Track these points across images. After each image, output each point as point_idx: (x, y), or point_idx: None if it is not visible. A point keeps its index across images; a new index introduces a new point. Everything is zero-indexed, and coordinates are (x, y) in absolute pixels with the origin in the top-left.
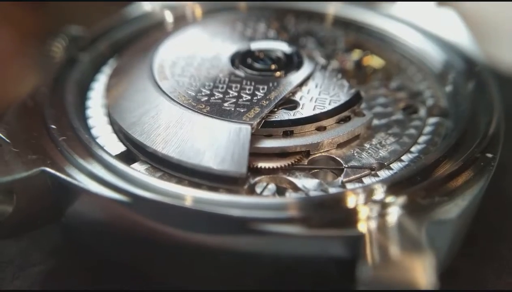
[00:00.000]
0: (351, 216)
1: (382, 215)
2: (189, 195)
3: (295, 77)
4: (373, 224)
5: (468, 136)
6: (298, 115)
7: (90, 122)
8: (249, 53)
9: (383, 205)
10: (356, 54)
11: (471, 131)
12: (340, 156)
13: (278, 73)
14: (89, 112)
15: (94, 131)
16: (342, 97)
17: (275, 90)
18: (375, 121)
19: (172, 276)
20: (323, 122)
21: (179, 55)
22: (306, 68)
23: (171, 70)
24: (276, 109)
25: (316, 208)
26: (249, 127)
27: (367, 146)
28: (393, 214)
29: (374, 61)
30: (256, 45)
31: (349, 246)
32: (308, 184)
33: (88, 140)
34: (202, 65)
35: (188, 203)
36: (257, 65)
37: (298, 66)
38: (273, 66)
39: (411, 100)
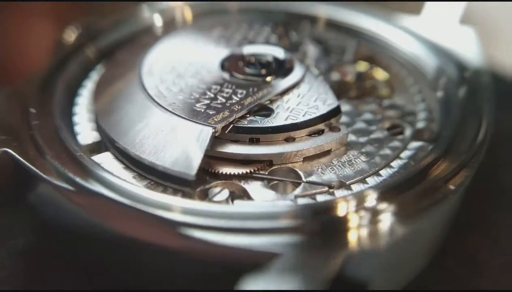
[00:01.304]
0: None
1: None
2: (132, 192)
3: (279, 85)
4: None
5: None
6: (267, 124)
7: (76, 114)
8: (239, 57)
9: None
10: (360, 66)
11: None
12: (303, 169)
13: (264, 79)
14: (76, 109)
15: (76, 120)
16: (319, 110)
17: (253, 96)
18: (353, 138)
19: (109, 271)
20: (292, 134)
21: (168, 58)
22: (293, 77)
23: (158, 71)
24: (248, 115)
25: (243, 218)
26: (210, 129)
27: (335, 162)
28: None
29: (378, 74)
30: (250, 49)
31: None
32: (262, 194)
33: (60, 128)
34: (191, 66)
35: (126, 199)
36: (244, 69)
37: (285, 73)
38: (259, 72)
39: (400, 120)
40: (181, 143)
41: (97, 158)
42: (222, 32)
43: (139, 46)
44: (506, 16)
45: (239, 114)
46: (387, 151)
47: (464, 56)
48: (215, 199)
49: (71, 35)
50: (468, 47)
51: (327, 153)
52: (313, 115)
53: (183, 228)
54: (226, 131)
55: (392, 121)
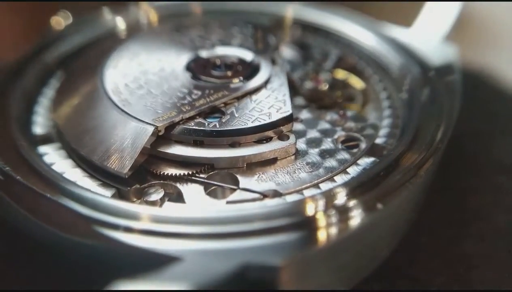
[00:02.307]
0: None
1: None
2: (56, 183)
3: (238, 88)
4: None
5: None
6: (212, 127)
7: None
8: (205, 59)
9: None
10: (338, 74)
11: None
12: (244, 175)
13: (225, 82)
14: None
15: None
16: (271, 117)
17: (207, 97)
18: (303, 146)
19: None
20: (238, 139)
21: (132, 59)
22: (254, 82)
23: (122, 68)
24: (197, 117)
25: (151, 221)
26: (151, 128)
27: (278, 170)
28: None
29: (355, 84)
30: (218, 52)
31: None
32: (195, 197)
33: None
34: (156, 66)
35: (50, 193)
36: (208, 71)
37: (249, 77)
38: (222, 74)
39: (359, 134)
40: (121, 140)
41: (43, 148)
42: (193, 33)
43: (101, 49)
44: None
45: (187, 115)
46: (333, 164)
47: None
48: (149, 198)
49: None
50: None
51: (273, 161)
52: (263, 122)
53: (91, 223)
54: (171, 132)
55: (349, 134)
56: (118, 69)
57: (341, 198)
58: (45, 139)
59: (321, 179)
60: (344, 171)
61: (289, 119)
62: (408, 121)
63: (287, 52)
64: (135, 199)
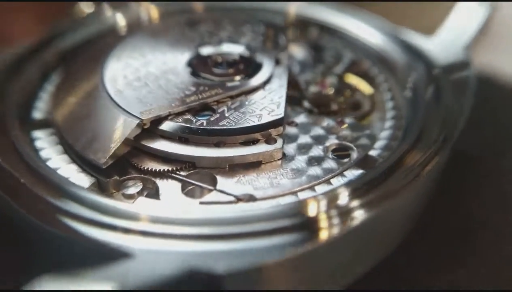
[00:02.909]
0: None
1: None
2: (33, 168)
3: (234, 87)
4: None
5: None
6: (199, 125)
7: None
8: (206, 56)
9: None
10: (348, 79)
11: None
12: (225, 176)
13: (223, 80)
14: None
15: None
16: (260, 119)
17: (199, 94)
18: (291, 152)
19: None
20: (224, 139)
21: (134, 55)
22: (254, 81)
23: (124, 59)
24: (187, 114)
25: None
26: (135, 121)
27: (260, 174)
28: None
29: (364, 89)
30: (222, 48)
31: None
32: (171, 194)
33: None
34: (159, 60)
35: (27, 178)
36: (208, 68)
37: (247, 77)
38: (222, 72)
39: (353, 143)
40: (105, 130)
41: (37, 133)
42: (203, 29)
43: (106, 43)
44: None
45: (175, 111)
46: (318, 172)
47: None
48: (127, 191)
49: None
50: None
51: (257, 164)
52: (251, 124)
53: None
54: (158, 127)
55: (342, 143)
56: (121, 61)
57: (320, 206)
58: (42, 125)
59: (301, 188)
60: (327, 181)
61: (279, 123)
62: (409, 135)
63: (300, 53)
64: (114, 191)
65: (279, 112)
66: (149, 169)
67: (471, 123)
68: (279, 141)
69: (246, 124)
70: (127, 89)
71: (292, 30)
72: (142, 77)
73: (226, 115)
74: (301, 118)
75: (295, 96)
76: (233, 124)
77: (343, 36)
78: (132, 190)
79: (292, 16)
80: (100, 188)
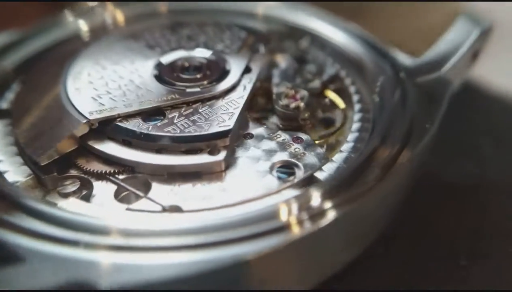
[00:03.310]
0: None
1: None
2: None
3: (192, 94)
4: None
5: None
6: (142, 130)
7: None
8: (174, 60)
9: None
10: (325, 94)
11: None
12: (160, 183)
13: (183, 84)
14: None
15: None
16: (207, 129)
17: (156, 98)
18: (236, 165)
19: None
20: (164, 146)
21: (98, 59)
22: (215, 89)
23: (92, 59)
24: (137, 117)
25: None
26: (82, 120)
27: (195, 185)
28: None
29: (336, 107)
30: (195, 53)
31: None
32: (102, 197)
33: None
34: (127, 61)
35: None
36: (171, 72)
37: (210, 83)
38: (182, 77)
39: (301, 162)
40: (52, 127)
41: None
42: (183, 32)
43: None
44: None
45: (124, 113)
46: (256, 188)
47: None
48: (63, 190)
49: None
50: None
51: (197, 174)
52: (195, 133)
53: None
54: (106, 128)
55: (290, 160)
56: (89, 59)
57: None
58: (3, 114)
59: (231, 203)
60: (260, 198)
61: (225, 134)
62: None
63: (283, 63)
64: (51, 188)
65: (228, 124)
66: (88, 169)
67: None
68: (222, 154)
69: (191, 133)
70: (86, 87)
71: (277, 38)
72: (105, 76)
73: (175, 121)
74: (259, 131)
75: (264, 107)
76: (178, 131)
77: (330, 50)
78: (68, 189)
79: (278, 24)
80: (39, 183)
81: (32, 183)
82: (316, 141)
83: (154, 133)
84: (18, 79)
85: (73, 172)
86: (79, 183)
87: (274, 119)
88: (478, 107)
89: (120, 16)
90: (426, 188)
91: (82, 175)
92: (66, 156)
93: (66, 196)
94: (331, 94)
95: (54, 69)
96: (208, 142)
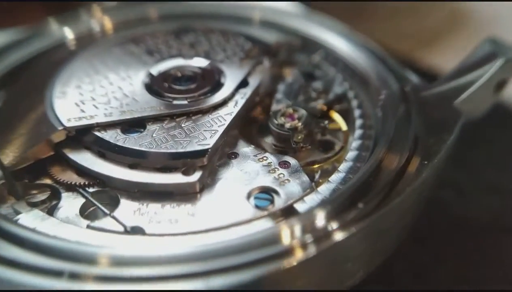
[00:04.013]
0: None
1: None
2: None
3: (179, 106)
4: None
5: None
6: (118, 142)
7: None
8: (166, 69)
9: None
10: (331, 115)
11: None
12: (130, 200)
13: (171, 96)
14: None
15: None
16: (185, 147)
17: (140, 109)
18: (212, 187)
19: None
20: (138, 161)
21: (102, 56)
22: (204, 102)
23: (85, 63)
24: (117, 127)
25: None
26: (58, 128)
27: (164, 206)
28: None
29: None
30: (192, 63)
31: None
32: (67, 210)
33: None
34: (120, 68)
35: None
36: (161, 82)
37: (200, 96)
38: (172, 88)
39: (284, 190)
40: (29, 132)
41: None
42: (186, 39)
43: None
44: None
45: (103, 122)
46: (227, 216)
47: None
48: (31, 199)
49: None
50: None
51: (169, 194)
52: (170, 150)
53: None
54: (83, 136)
55: (271, 187)
56: (85, 60)
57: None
58: None
59: (195, 230)
60: (228, 227)
61: (202, 154)
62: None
63: (289, 78)
64: (22, 195)
65: (208, 143)
66: (59, 179)
67: None
68: (196, 175)
69: (166, 150)
70: (73, 92)
71: (287, 50)
72: (95, 81)
73: (153, 135)
74: (245, 150)
75: (261, 124)
76: (153, 147)
77: (342, 66)
78: (37, 198)
79: (291, 35)
80: (9, 189)
81: (2, 189)
82: (310, 167)
83: (128, 146)
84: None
85: (45, 180)
86: (49, 192)
87: (269, 139)
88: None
89: (108, 22)
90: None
91: (54, 184)
92: (41, 163)
93: (33, 205)
94: (335, 116)
95: (46, 72)
96: (184, 161)
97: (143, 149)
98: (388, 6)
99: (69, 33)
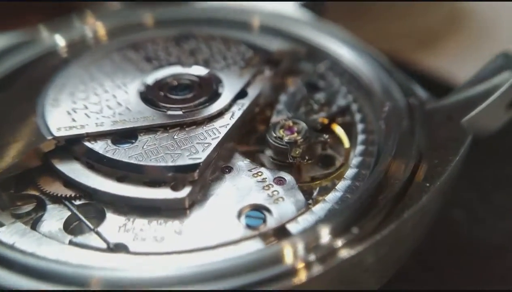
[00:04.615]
0: None
1: None
2: None
3: (173, 117)
4: None
5: None
6: (107, 153)
7: None
8: (162, 78)
9: None
10: (333, 128)
11: None
12: (116, 214)
13: (166, 105)
14: None
15: None
16: (176, 160)
17: (133, 118)
18: (201, 203)
19: None
20: (126, 174)
21: (98, 63)
22: (199, 113)
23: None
24: (108, 137)
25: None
26: (48, 137)
27: (151, 223)
28: None
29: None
30: (191, 71)
31: None
32: (50, 223)
33: None
34: (117, 75)
35: None
36: (157, 90)
37: (195, 107)
38: (168, 97)
39: (277, 209)
40: (18, 139)
41: None
42: (186, 46)
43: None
44: None
45: (94, 132)
46: (215, 236)
47: None
48: (15, 210)
49: None
50: None
51: (156, 210)
52: (159, 163)
53: None
54: (73, 146)
55: (264, 205)
56: (81, 66)
57: None
58: None
59: (179, 250)
60: (213, 248)
61: (192, 168)
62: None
63: (292, 88)
64: (8, 206)
65: (200, 157)
66: (46, 191)
67: None
68: (185, 190)
69: (155, 163)
70: (66, 99)
71: (290, 59)
72: (89, 88)
73: (144, 147)
74: (240, 164)
75: (259, 133)
76: (142, 159)
77: (348, 78)
78: (22, 210)
79: (293, 44)
80: None
81: None
82: (308, 183)
83: (116, 158)
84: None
85: (32, 191)
86: (35, 203)
87: (268, 152)
88: None
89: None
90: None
91: (40, 195)
92: (29, 173)
93: (18, 217)
94: (337, 129)
95: (40, 79)
96: (173, 175)
97: (131, 161)
98: (388, 6)
99: (60, 40)
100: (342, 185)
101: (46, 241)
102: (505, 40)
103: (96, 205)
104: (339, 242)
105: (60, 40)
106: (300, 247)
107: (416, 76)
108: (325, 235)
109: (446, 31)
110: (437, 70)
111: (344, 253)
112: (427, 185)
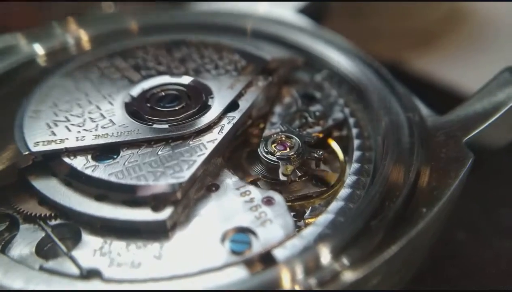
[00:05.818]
0: None
1: None
2: None
3: (156, 131)
4: None
5: None
6: (86, 170)
7: None
8: (148, 88)
9: None
10: (329, 143)
11: None
12: (93, 236)
13: (151, 118)
14: None
15: None
16: (156, 178)
17: (115, 133)
18: (183, 226)
19: None
20: (105, 192)
21: (86, 74)
22: (185, 127)
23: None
24: (88, 152)
25: None
26: (23, 152)
27: (129, 246)
28: None
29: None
30: (180, 81)
31: None
32: (23, 247)
33: None
34: (105, 85)
35: None
36: (143, 101)
37: (182, 120)
38: (152, 107)
39: (264, 231)
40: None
41: None
42: (177, 54)
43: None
44: None
45: (73, 147)
46: (196, 262)
47: None
48: None
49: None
50: None
51: (134, 231)
52: (139, 182)
53: None
54: (50, 162)
55: (250, 228)
56: (67, 75)
57: None
58: None
59: (157, 277)
60: (193, 275)
61: (175, 188)
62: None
63: (287, 99)
64: None
65: (183, 176)
66: (20, 209)
67: None
68: (166, 212)
69: (136, 181)
70: (48, 110)
71: (287, 68)
72: (73, 99)
73: (125, 164)
74: (228, 182)
75: (251, 147)
76: (121, 177)
77: (346, 89)
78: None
79: (290, 52)
80: None
81: None
82: (300, 202)
83: (94, 176)
84: None
85: (5, 209)
86: (7, 223)
87: (259, 167)
88: None
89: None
90: None
91: (14, 214)
92: (3, 189)
93: None
94: (333, 144)
95: (21, 89)
96: (154, 195)
97: (111, 179)
98: (388, 6)
99: (39, 49)
100: (334, 206)
101: (14, 266)
102: (503, 40)
103: (72, 225)
104: (328, 274)
105: (39, 49)
106: (286, 278)
107: (415, 78)
108: (312, 265)
109: (444, 31)
110: (434, 71)
111: (332, 286)
112: (424, 210)
